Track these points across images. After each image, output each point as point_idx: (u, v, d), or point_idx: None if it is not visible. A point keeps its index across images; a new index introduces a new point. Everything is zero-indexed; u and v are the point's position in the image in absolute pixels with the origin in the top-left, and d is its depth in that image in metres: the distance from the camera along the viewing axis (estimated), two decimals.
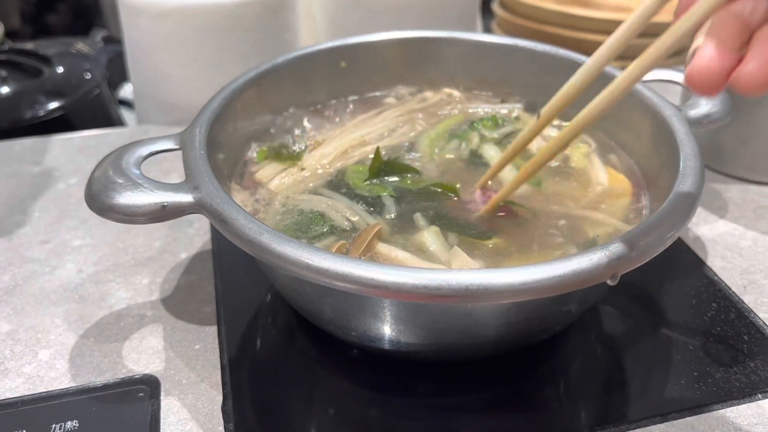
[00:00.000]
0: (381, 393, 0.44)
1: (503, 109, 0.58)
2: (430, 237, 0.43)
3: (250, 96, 0.51)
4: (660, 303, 0.50)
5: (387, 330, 0.40)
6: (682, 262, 0.53)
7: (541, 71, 0.56)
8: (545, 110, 0.42)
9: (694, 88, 0.30)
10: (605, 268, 0.34)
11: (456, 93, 0.60)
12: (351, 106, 0.58)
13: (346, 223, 0.45)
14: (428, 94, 0.59)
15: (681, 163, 0.42)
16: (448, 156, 0.52)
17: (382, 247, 0.43)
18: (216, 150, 0.45)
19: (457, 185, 0.48)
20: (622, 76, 0.36)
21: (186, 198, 0.39)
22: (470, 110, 0.58)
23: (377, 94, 0.60)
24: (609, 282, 0.35)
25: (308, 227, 0.44)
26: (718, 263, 0.53)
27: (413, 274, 0.33)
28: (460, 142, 0.53)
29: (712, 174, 0.63)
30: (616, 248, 0.35)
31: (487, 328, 0.40)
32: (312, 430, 0.41)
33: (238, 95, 0.50)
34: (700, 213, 0.58)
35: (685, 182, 0.40)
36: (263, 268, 0.45)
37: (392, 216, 0.45)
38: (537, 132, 0.43)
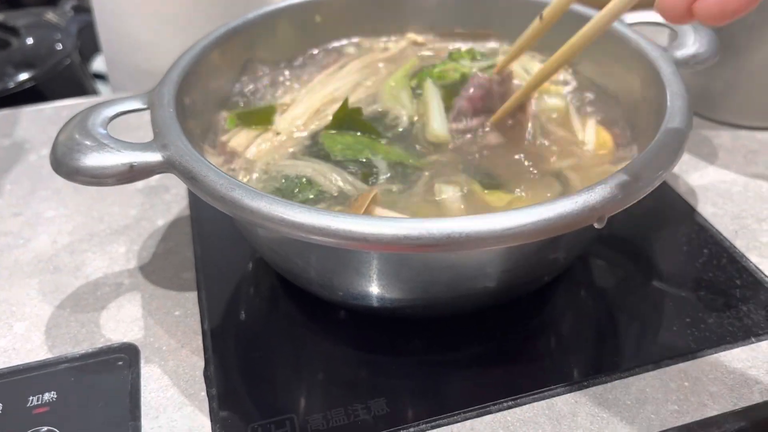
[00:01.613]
0: (369, 353, 0.43)
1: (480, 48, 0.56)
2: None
3: (219, 54, 0.49)
4: (651, 252, 0.49)
5: (372, 286, 0.39)
6: (673, 210, 0.52)
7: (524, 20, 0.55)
8: (547, 11, 0.42)
9: (663, 15, 0.31)
10: (591, 210, 0.33)
11: (419, 38, 0.58)
12: (318, 59, 0.56)
13: (335, 188, 0.43)
14: (390, 43, 0.57)
15: (668, 102, 0.40)
16: (413, 99, 0.50)
17: (381, 212, 0.41)
18: (185, 112, 0.43)
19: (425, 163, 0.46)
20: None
21: (155, 157, 0.38)
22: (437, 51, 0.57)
23: (341, 42, 0.58)
24: (596, 225, 0.34)
25: (294, 193, 0.43)
26: (708, 210, 0.52)
27: (393, 223, 0.32)
28: (421, 81, 0.51)
29: (702, 120, 0.62)
30: (603, 190, 0.34)
31: (474, 279, 0.39)
32: (299, 392, 0.40)
33: (207, 53, 0.48)
34: (689, 160, 0.57)
35: (672, 121, 0.39)
36: (242, 230, 0.43)
37: (381, 181, 0.43)
38: (540, 33, 0.44)
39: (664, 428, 0.36)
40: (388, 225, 0.32)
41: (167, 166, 0.37)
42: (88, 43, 0.86)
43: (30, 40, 0.80)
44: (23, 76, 0.74)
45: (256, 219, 0.34)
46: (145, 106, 0.42)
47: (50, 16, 0.86)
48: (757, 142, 0.59)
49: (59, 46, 0.80)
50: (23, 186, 0.57)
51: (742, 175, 0.55)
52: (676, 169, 0.56)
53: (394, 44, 0.58)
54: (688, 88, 0.42)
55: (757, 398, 0.38)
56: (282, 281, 0.47)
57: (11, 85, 0.72)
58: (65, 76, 0.77)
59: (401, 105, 0.50)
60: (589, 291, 0.47)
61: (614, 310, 0.45)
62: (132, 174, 0.38)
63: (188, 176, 0.36)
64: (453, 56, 0.53)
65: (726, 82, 0.59)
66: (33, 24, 0.83)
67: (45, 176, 0.57)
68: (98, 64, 0.91)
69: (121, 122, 0.42)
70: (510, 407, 0.38)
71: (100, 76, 0.91)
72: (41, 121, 0.66)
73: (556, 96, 0.50)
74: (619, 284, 0.47)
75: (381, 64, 0.56)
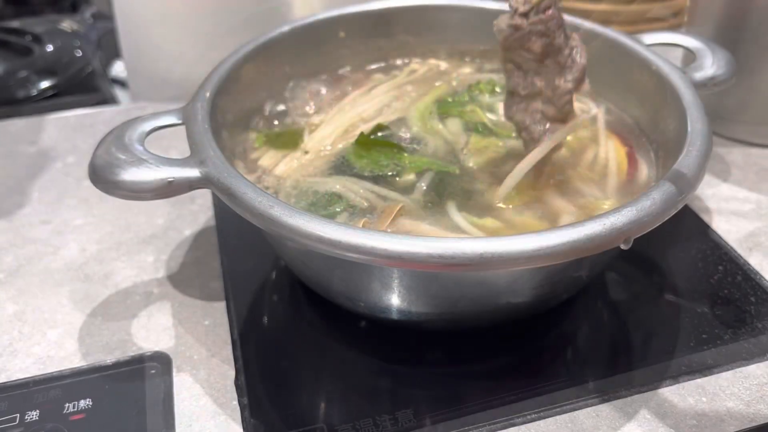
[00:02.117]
0: (393, 363, 0.44)
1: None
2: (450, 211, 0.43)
3: (249, 69, 0.50)
4: (667, 268, 0.50)
5: (398, 300, 0.40)
6: (687, 226, 0.53)
7: None
8: None
9: None
10: (618, 233, 0.34)
11: (443, 64, 0.59)
12: (346, 78, 0.57)
13: (365, 202, 0.44)
14: (415, 65, 0.59)
15: (689, 126, 0.42)
16: (439, 125, 0.51)
17: (407, 223, 0.42)
18: (217, 126, 0.45)
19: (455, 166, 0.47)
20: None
21: (193, 173, 0.39)
22: (461, 78, 0.58)
23: (375, 66, 0.59)
24: (622, 246, 0.35)
25: (325, 207, 0.44)
26: (723, 226, 0.53)
27: (427, 243, 0.33)
28: (451, 110, 0.52)
29: (715, 138, 0.62)
30: (629, 212, 0.35)
31: (499, 295, 0.40)
32: (326, 402, 0.41)
33: (237, 69, 0.49)
34: (705, 178, 0.58)
35: (694, 145, 0.40)
36: (271, 242, 0.45)
37: (412, 195, 0.45)
38: None
39: None
40: (423, 244, 0.33)
41: (205, 182, 0.38)
42: (107, 49, 0.87)
43: (50, 48, 0.81)
44: (45, 83, 0.75)
45: (294, 236, 0.35)
46: (180, 122, 0.43)
47: (68, 23, 0.87)
48: (762, 157, 0.60)
49: (79, 53, 0.81)
50: (51, 194, 0.58)
51: (754, 193, 0.56)
52: None
53: (419, 65, 0.59)
54: (707, 111, 0.43)
55: None
56: (305, 290, 0.48)
57: (34, 92, 0.74)
58: (86, 84, 0.78)
59: (428, 131, 0.51)
60: (606, 306, 0.48)
61: (631, 324, 0.46)
62: (170, 189, 0.39)
63: (227, 193, 0.37)
64: (473, 89, 0.55)
65: (739, 100, 0.61)
66: (52, 31, 0.84)
67: (72, 184, 0.59)
68: (117, 70, 0.92)
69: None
70: (533, 420, 0.39)
71: (118, 81, 0.92)
72: (65, 129, 0.67)
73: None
74: (636, 299, 0.48)
75: (410, 87, 0.57)
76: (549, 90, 0.42)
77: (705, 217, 0.54)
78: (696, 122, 0.42)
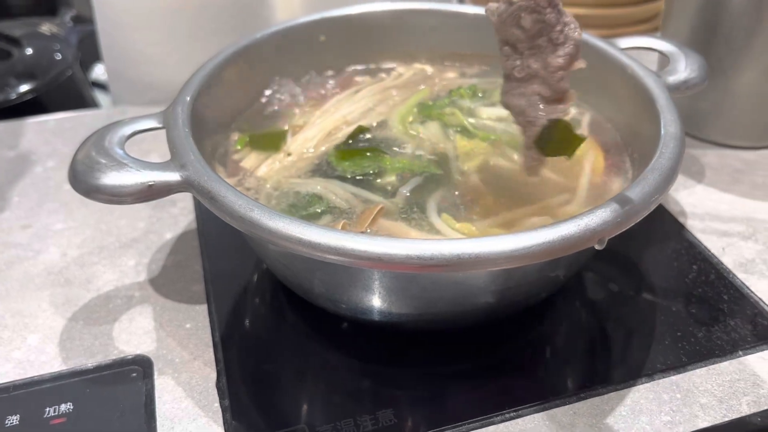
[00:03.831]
0: (374, 364, 0.45)
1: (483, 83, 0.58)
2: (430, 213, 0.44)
3: (230, 72, 0.50)
4: (643, 267, 0.51)
5: (378, 301, 0.40)
6: (663, 227, 0.54)
7: None
8: None
9: None
10: (592, 233, 0.35)
11: (428, 68, 0.59)
12: (330, 82, 0.57)
13: (345, 204, 0.44)
14: (402, 70, 0.59)
15: (662, 128, 0.42)
16: (420, 129, 0.52)
17: (386, 224, 0.43)
18: (198, 130, 0.45)
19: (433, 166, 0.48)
20: None
21: (173, 177, 0.39)
22: (444, 83, 0.58)
23: (357, 67, 0.59)
24: (597, 246, 0.36)
25: (305, 208, 0.44)
26: (697, 226, 0.54)
27: (406, 244, 0.34)
28: (431, 113, 0.53)
29: (690, 140, 0.64)
30: (602, 213, 0.36)
31: (477, 295, 0.41)
32: (308, 403, 0.42)
33: (218, 72, 0.49)
34: (678, 178, 0.59)
35: (667, 147, 0.41)
36: (253, 245, 0.45)
37: (391, 198, 0.45)
38: None
39: None
40: (401, 246, 0.34)
41: (185, 186, 0.39)
42: (87, 52, 0.87)
43: (30, 51, 0.80)
44: (25, 87, 0.74)
45: (273, 238, 0.35)
46: (160, 126, 0.44)
47: (48, 26, 0.87)
48: (742, 162, 0.61)
49: (59, 57, 0.80)
50: (31, 198, 0.57)
51: (728, 194, 0.57)
52: None
53: (405, 70, 0.60)
54: (680, 114, 0.44)
55: (745, 410, 0.40)
56: (287, 292, 0.49)
57: (13, 96, 0.73)
58: (66, 87, 0.78)
59: (408, 134, 0.51)
60: (584, 305, 0.49)
61: (608, 323, 0.47)
62: (151, 193, 0.39)
63: (207, 196, 0.37)
64: (453, 94, 0.55)
65: (713, 103, 0.62)
66: (32, 34, 0.84)
67: (52, 188, 0.58)
68: (97, 73, 0.92)
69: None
70: (512, 418, 0.40)
71: (98, 84, 0.92)
72: (45, 133, 0.66)
73: None
74: (613, 299, 0.49)
75: (394, 91, 0.57)
76: (543, 70, 0.41)
77: (680, 218, 0.55)
78: (669, 125, 0.43)
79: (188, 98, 0.45)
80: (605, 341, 0.46)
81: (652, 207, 0.37)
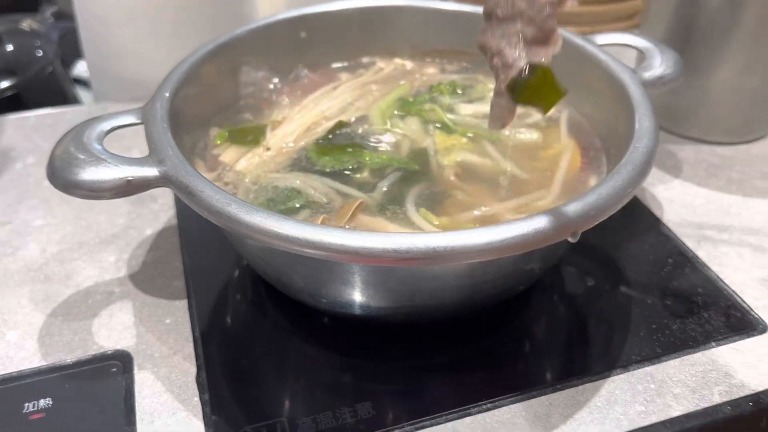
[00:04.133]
0: (354, 357, 0.45)
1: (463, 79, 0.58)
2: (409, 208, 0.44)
3: (210, 68, 0.51)
4: (620, 261, 0.52)
5: (358, 295, 0.41)
6: (640, 220, 0.55)
7: None
8: None
9: None
10: (565, 226, 0.36)
11: (408, 64, 0.60)
12: (311, 78, 0.58)
13: (324, 198, 0.45)
14: (382, 65, 0.59)
15: (636, 123, 0.43)
16: (400, 124, 0.52)
17: (365, 219, 0.43)
18: (177, 125, 0.45)
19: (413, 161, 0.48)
20: None
21: (151, 172, 0.39)
22: (424, 78, 0.59)
23: (338, 65, 0.60)
24: (570, 239, 0.36)
25: (284, 203, 0.44)
26: (673, 220, 0.55)
27: (382, 238, 0.34)
28: (411, 109, 0.53)
29: (667, 135, 0.65)
30: (576, 207, 0.36)
31: (455, 288, 0.41)
32: (287, 397, 0.42)
33: (197, 69, 0.49)
34: (655, 173, 0.60)
35: (641, 142, 0.41)
36: (232, 240, 0.45)
37: (370, 193, 0.45)
38: None
39: (632, 428, 0.39)
40: (378, 240, 0.34)
41: (164, 181, 0.39)
42: (68, 49, 0.86)
43: (10, 47, 0.80)
44: (5, 83, 0.74)
45: (251, 233, 0.35)
46: (139, 121, 0.44)
47: (29, 22, 0.86)
48: (718, 157, 0.62)
49: (40, 53, 0.80)
50: (10, 194, 0.57)
51: (704, 188, 0.58)
52: (644, 182, 0.59)
53: (385, 65, 0.60)
54: (655, 109, 0.45)
55: (717, 399, 0.41)
56: (268, 288, 0.49)
57: None
58: (47, 84, 0.77)
59: (388, 129, 0.52)
60: (561, 298, 0.49)
61: (585, 315, 0.47)
62: (129, 188, 0.39)
63: (185, 191, 0.38)
64: (433, 90, 0.56)
65: (690, 100, 0.63)
66: (12, 31, 0.83)
67: (32, 185, 0.58)
68: (79, 70, 0.91)
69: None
70: (489, 409, 0.40)
71: (80, 81, 0.91)
72: (26, 129, 0.66)
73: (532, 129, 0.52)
74: (590, 291, 0.49)
75: (374, 86, 0.57)
76: (530, 7, 0.37)
77: (657, 212, 0.56)
78: (644, 120, 0.43)
79: (167, 94, 0.45)
80: (581, 334, 0.46)
81: (625, 200, 0.38)
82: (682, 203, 0.57)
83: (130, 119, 0.44)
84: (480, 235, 0.34)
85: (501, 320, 0.47)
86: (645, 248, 0.52)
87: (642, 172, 0.39)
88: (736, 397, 0.41)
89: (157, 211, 0.56)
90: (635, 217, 0.55)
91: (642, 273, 0.50)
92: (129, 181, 0.39)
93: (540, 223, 0.35)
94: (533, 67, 0.37)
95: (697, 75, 0.61)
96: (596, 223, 0.37)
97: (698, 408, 0.40)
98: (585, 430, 0.39)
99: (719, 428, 0.40)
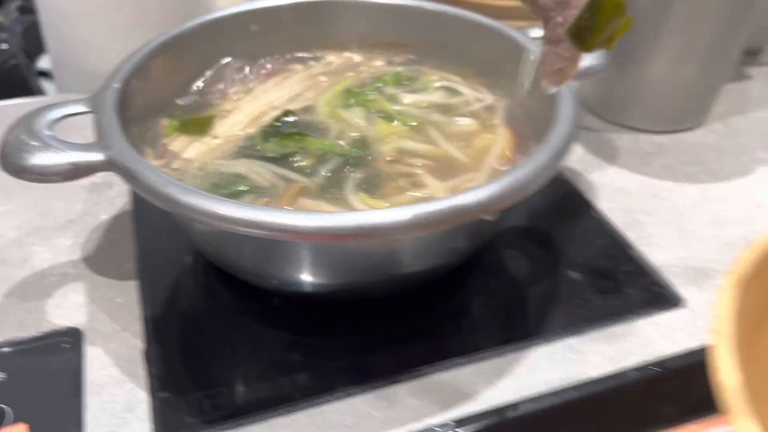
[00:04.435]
0: (296, 335, 0.47)
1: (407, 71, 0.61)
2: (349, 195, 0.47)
3: (161, 60, 0.53)
4: (552, 242, 0.55)
5: (297, 273, 0.43)
6: (573, 205, 0.58)
7: (454, 34, 0.60)
8: None
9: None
10: (480, 206, 0.38)
11: (356, 57, 0.62)
12: (261, 71, 0.60)
13: (267, 183, 0.47)
14: (331, 58, 0.62)
15: (557, 111, 0.46)
16: (345, 114, 0.55)
17: (306, 202, 0.45)
18: (128, 115, 0.47)
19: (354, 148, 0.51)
20: None
21: (97, 157, 0.41)
22: (372, 70, 0.61)
23: (288, 56, 0.62)
24: (487, 218, 0.39)
25: (227, 187, 0.47)
26: (605, 204, 0.58)
27: (311, 216, 0.37)
28: (356, 99, 0.56)
29: (606, 125, 0.68)
30: (494, 187, 0.39)
31: (389, 264, 0.44)
32: (230, 370, 0.44)
33: (147, 60, 0.51)
34: (592, 160, 0.63)
35: (558, 127, 0.44)
36: (179, 223, 0.47)
37: (312, 177, 0.48)
38: None
39: (550, 390, 0.42)
40: (307, 218, 0.37)
41: (108, 165, 0.41)
42: (33, 42, 0.88)
43: None
44: None
45: (188, 213, 0.38)
46: (88, 110, 0.46)
47: None
48: (653, 145, 0.65)
49: (5, 46, 0.82)
50: None
51: (637, 174, 0.62)
52: (580, 168, 0.62)
53: (335, 58, 0.63)
54: (576, 99, 0.48)
55: (629, 365, 0.44)
56: (218, 271, 0.51)
57: None
58: (11, 76, 0.79)
59: (333, 118, 0.54)
60: (494, 277, 0.52)
61: (515, 293, 0.50)
62: (75, 172, 0.41)
63: (127, 174, 0.40)
64: (379, 81, 0.58)
65: (628, 92, 0.66)
66: None
67: None
68: (44, 63, 0.93)
69: (70, 123, 0.45)
70: (419, 376, 0.43)
71: (45, 74, 0.92)
72: None
73: (468, 117, 0.55)
74: (523, 270, 0.52)
75: (323, 78, 0.60)
76: None
77: (590, 197, 0.59)
78: (564, 107, 0.46)
79: (116, 85, 0.47)
80: (510, 309, 0.49)
81: (541, 183, 0.41)
82: (616, 188, 0.60)
83: (80, 108, 0.46)
84: (401, 213, 0.37)
85: (437, 298, 0.49)
86: (577, 230, 0.56)
87: (557, 155, 0.42)
88: (646, 363, 0.44)
89: (114, 198, 0.58)
90: (570, 202, 0.59)
91: (572, 253, 0.53)
92: (75, 165, 0.41)
93: (459, 201, 0.38)
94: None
95: (633, 67, 0.64)
96: (511, 203, 0.39)
97: (614, 372, 0.43)
98: (505, 395, 0.42)
99: (628, 391, 0.43)
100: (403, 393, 0.42)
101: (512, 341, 0.46)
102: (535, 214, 0.57)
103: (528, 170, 0.40)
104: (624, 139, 0.66)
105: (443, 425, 0.40)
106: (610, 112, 0.68)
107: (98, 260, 0.51)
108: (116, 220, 0.55)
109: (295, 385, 0.43)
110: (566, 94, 0.48)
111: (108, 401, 0.41)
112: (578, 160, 0.63)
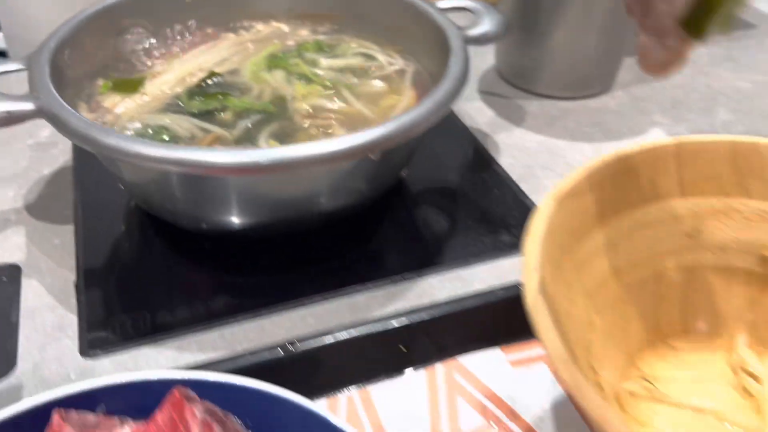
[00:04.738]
0: (222, 272, 0.53)
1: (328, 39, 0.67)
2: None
3: (96, 26, 0.58)
4: (455, 192, 0.61)
5: (213, 209, 0.49)
6: (479, 161, 0.64)
7: (372, 7, 0.65)
8: None
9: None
10: (368, 145, 0.44)
11: (284, 27, 0.68)
12: (193, 38, 0.65)
13: (187, 134, 0.52)
14: (260, 26, 0.67)
15: (449, 68, 0.52)
16: (267, 76, 0.60)
17: (220, 149, 0.51)
18: (64, 75, 0.52)
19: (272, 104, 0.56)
20: None
21: (28, 106, 0.46)
22: (297, 38, 0.67)
23: (220, 25, 0.67)
24: (372, 157, 0.45)
25: (152, 137, 0.52)
26: (507, 161, 0.64)
27: (224, 152, 0.42)
28: (279, 64, 0.61)
29: (518, 92, 0.74)
30: (379, 130, 0.45)
31: (298, 201, 0.49)
32: (154, 298, 0.50)
33: (84, 24, 0.57)
34: (501, 123, 0.69)
35: (444, 83, 0.50)
36: (110, 169, 0.52)
37: (231, 130, 0.53)
38: None
39: (434, 303, 0.48)
40: (220, 154, 0.42)
41: (39, 113, 0.46)
42: None
43: None
44: None
45: (105, 151, 0.43)
46: (23, 67, 0.51)
47: None
48: (558, 110, 0.71)
49: None
50: None
51: (540, 135, 0.68)
52: (488, 130, 0.68)
53: (264, 27, 0.68)
54: (468, 59, 0.53)
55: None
56: (149, 217, 0.56)
57: None
58: None
59: (256, 80, 0.60)
60: (405, 223, 0.58)
61: (419, 232, 0.57)
62: (9, 119, 0.47)
63: (54, 120, 0.45)
64: (301, 48, 0.64)
65: (535, 60, 0.72)
66: None
67: None
68: None
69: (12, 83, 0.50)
70: (321, 301, 0.49)
71: (1, 53, 0.96)
72: None
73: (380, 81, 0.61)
74: (428, 213, 0.58)
75: (251, 45, 0.65)
76: None
77: (494, 154, 0.65)
78: (454, 65, 0.52)
79: (51, 44, 0.52)
80: (413, 249, 0.55)
81: (421, 128, 0.47)
82: (519, 148, 0.66)
83: (16, 66, 0.51)
84: (296, 150, 0.43)
85: (350, 244, 0.55)
86: (478, 182, 0.61)
87: (440, 107, 0.48)
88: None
89: (57, 155, 0.63)
90: (476, 159, 0.65)
91: (471, 201, 0.59)
92: (9, 113, 0.46)
93: (346, 142, 0.44)
94: None
95: (540, 37, 0.70)
96: (392, 144, 0.45)
97: (492, 288, 0.49)
98: (395, 310, 0.48)
99: (491, 309, 0.49)
100: (305, 313, 0.48)
101: (405, 272, 0.51)
102: (444, 169, 0.63)
103: (411, 117, 0.46)
104: (533, 105, 0.72)
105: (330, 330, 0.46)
106: (522, 80, 0.74)
107: (39, 208, 0.56)
108: (58, 175, 0.60)
109: (209, 308, 0.48)
110: (458, 52, 0.53)
111: (40, 323, 0.47)
112: (487, 122, 0.69)
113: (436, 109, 0.48)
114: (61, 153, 0.63)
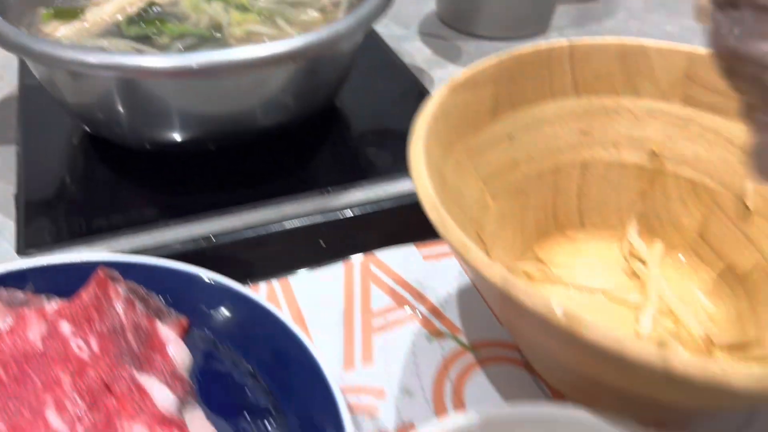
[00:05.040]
0: (167, 190, 0.55)
1: None
2: None
3: None
4: (390, 121, 0.64)
5: (159, 123, 0.51)
6: (413, 94, 0.67)
7: None
8: None
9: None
10: (292, 52, 0.47)
11: None
12: None
13: None
14: None
15: None
16: (205, 6, 0.62)
17: None
18: (5, 6, 0.54)
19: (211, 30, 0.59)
20: None
21: None
22: None
23: None
24: (292, 64, 0.48)
25: None
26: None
27: (157, 56, 0.45)
28: None
29: (457, 34, 0.77)
30: (302, 38, 0.48)
31: (233, 114, 0.52)
32: (89, 209, 0.52)
33: None
34: (439, 61, 0.73)
35: (369, 2, 0.53)
36: (55, 95, 0.54)
37: (167, 51, 0.56)
38: None
39: (352, 203, 0.51)
40: (157, 59, 0.45)
41: None
42: None
43: None
44: None
45: (38, 59, 0.46)
46: None
47: None
48: (494, 49, 0.74)
49: None
50: None
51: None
52: (425, 67, 0.71)
53: None
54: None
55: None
56: (88, 137, 0.58)
57: None
58: None
59: (194, 9, 0.62)
60: (340, 140, 0.61)
61: (352, 151, 0.60)
62: None
63: None
64: None
65: (472, 2, 0.75)
66: None
67: None
68: None
69: None
70: (249, 210, 0.51)
71: None
72: None
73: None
74: (360, 136, 0.61)
75: None
76: None
77: (428, 87, 0.68)
78: None
79: None
80: (342, 163, 0.58)
81: (342, 41, 0.50)
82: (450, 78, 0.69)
83: None
84: (238, 53, 0.46)
85: (280, 157, 0.58)
86: (409, 111, 0.64)
87: (360, 24, 0.51)
88: None
89: (3, 87, 0.65)
90: (410, 91, 0.67)
91: (401, 126, 0.62)
92: None
93: (274, 48, 0.47)
94: None
95: None
96: (314, 54, 0.48)
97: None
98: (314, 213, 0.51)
99: (407, 210, 0.50)
100: (235, 219, 0.51)
101: (335, 185, 0.54)
102: (379, 100, 0.66)
103: (330, 29, 0.49)
104: (470, 45, 0.75)
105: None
106: (460, 23, 0.77)
107: None
108: (3, 103, 0.62)
109: (143, 215, 0.51)
110: None
111: None
112: (425, 60, 0.73)
113: (357, 24, 0.51)
114: (8, 86, 0.65)
